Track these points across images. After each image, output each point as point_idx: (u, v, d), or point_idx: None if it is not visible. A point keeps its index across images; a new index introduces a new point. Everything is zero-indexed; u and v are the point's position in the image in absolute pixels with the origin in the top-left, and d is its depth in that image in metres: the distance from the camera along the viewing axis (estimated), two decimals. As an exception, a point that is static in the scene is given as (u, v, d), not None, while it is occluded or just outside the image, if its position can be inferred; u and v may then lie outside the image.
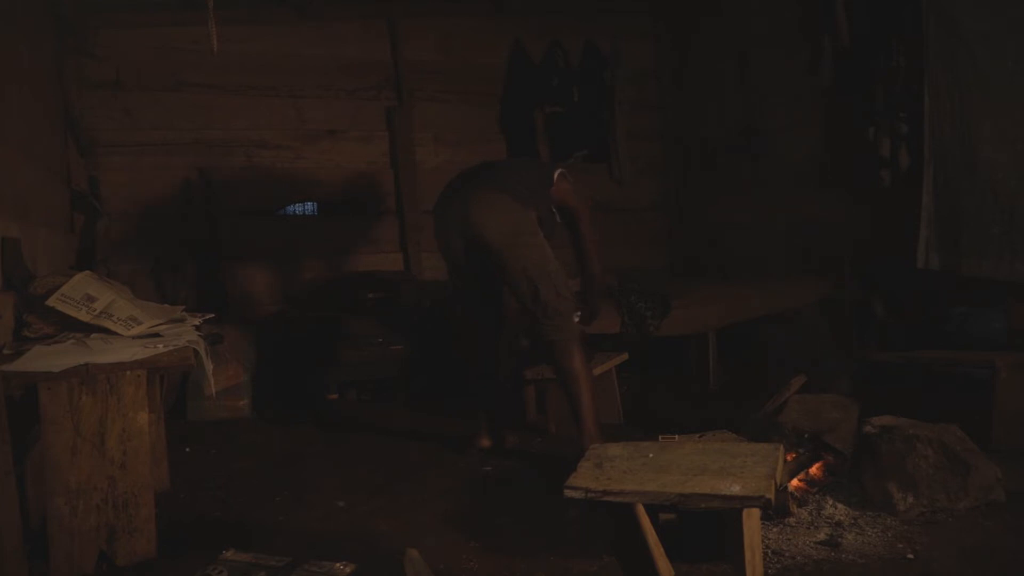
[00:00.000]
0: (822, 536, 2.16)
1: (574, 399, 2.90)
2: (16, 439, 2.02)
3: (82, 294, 2.39)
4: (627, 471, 2.07)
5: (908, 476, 2.27)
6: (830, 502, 2.33)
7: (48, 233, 3.30)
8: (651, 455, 2.17)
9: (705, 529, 2.08)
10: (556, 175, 3.02)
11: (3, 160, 2.70)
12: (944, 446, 2.31)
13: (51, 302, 2.35)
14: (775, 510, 2.13)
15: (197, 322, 2.62)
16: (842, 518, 2.25)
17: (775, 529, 2.20)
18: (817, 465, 2.45)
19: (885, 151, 3.95)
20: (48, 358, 2.11)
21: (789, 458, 2.37)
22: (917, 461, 2.28)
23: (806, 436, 2.47)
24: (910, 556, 2.04)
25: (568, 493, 2.02)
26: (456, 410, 3.73)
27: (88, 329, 2.34)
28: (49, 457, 2.06)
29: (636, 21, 5.46)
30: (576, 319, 3.12)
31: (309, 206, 5.02)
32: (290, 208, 4.94)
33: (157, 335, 2.39)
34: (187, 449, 3.30)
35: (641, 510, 1.96)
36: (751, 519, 1.85)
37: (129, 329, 2.36)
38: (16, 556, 1.98)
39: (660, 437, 2.51)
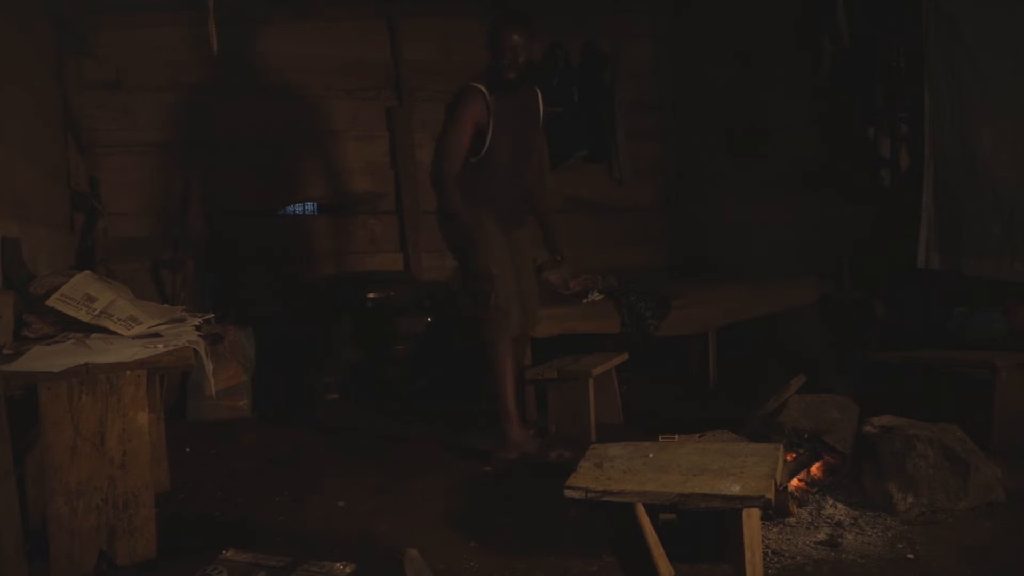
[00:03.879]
0: (822, 536, 2.16)
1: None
2: (16, 439, 2.02)
3: (82, 294, 2.39)
4: (627, 471, 2.07)
5: (908, 476, 2.27)
6: (830, 502, 2.33)
7: (48, 233, 3.29)
8: (651, 455, 2.17)
9: (705, 529, 2.08)
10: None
11: (3, 160, 2.70)
12: (944, 446, 2.31)
13: (51, 302, 2.35)
14: (775, 510, 2.13)
15: (197, 322, 2.62)
16: (842, 518, 2.25)
17: (775, 529, 2.20)
18: (817, 465, 2.45)
19: (885, 151, 3.95)
20: (48, 358, 2.11)
21: (789, 458, 2.37)
22: (917, 461, 2.28)
23: (806, 436, 2.47)
24: (910, 556, 2.04)
25: (568, 493, 2.02)
26: (457, 410, 3.73)
27: (88, 329, 2.34)
28: (49, 457, 2.06)
29: (636, 21, 5.45)
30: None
31: (309, 206, 5.01)
32: (290, 208, 4.94)
33: (157, 335, 2.39)
34: (187, 449, 3.30)
35: (641, 510, 1.96)
36: (751, 519, 1.85)
37: (129, 329, 2.36)
38: (16, 556, 1.98)
39: (660, 437, 2.51)
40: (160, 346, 2.27)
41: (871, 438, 2.37)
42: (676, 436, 2.53)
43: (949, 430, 2.39)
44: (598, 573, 2.03)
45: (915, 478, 2.27)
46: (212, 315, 2.87)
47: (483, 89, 3.00)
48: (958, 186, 3.60)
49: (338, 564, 1.95)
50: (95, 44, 4.32)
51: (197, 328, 2.57)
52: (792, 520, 2.24)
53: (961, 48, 3.52)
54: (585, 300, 3.95)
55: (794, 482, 2.38)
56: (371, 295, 4.40)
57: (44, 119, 3.58)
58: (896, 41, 3.86)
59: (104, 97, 4.38)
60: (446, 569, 2.06)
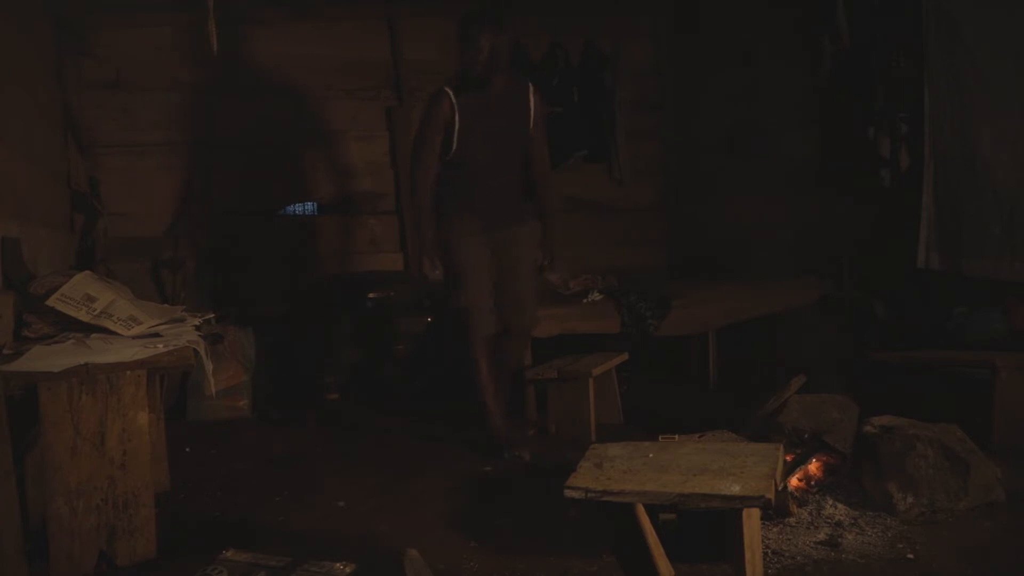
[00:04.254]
0: (822, 536, 2.16)
1: None
2: (16, 439, 2.02)
3: (82, 294, 2.39)
4: (627, 471, 2.08)
5: (908, 476, 2.27)
6: (830, 502, 2.33)
7: (48, 233, 3.29)
8: (651, 455, 2.17)
9: (705, 529, 2.08)
10: None
11: (3, 160, 2.71)
12: (944, 446, 2.31)
13: (51, 302, 2.35)
14: (775, 510, 2.14)
15: (197, 322, 2.62)
16: (842, 518, 2.25)
17: (775, 529, 2.20)
18: (817, 465, 2.45)
19: (885, 151, 3.94)
20: (48, 358, 2.11)
21: (788, 458, 2.37)
22: (917, 461, 2.28)
23: (806, 436, 2.47)
24: (910, 556, 2.04)
25: (568, 493, 2.03)
26: (457, 409, 3.73)
27: (88, 329, 2.34)
28: (49, 457, 2.06)
29: (636, 21, 5.45)
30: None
31: (309, 206, 5.01)
32: (290, 208, 4.94)
33: (157, 335, 2.39)
34: (187, 449, 3.30)
35: (641, 510, 1.96)
36: (751, 519, 1.85)
37: (129, 329, 2.36)
38: (16, 556, 1.98)
39: (660, 437, 2.51)
40: (160, 346, 2.27)
41: (871, 438, 2.37)
42: (676, 436, 2.53)
43: (949, 430, 2.39)
44: (598, 573, 2.03)
45: (915, 478, 2.27)
46: (212, 315, 2.87)
47: (448, 90, 3.02)
48: (958, 186, 3.60)
49: (338, 564, 1.95)
50: (95, 44, 4.32)
51: (197, 328, 2.57)
52: (792, 520, 2.24)
53: (961, 48, 3.52)
54: (585, 300, 3.96)
55: (794, 482, 2.38)
56: (371, 295, 4.40)
57: (44, 119, 3.58)
58: (896, 41, 3.86)
59: (104, 97, 4.38)
60: (446, 569, 2.06)
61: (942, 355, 3.38)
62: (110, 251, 4.18)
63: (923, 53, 3.66)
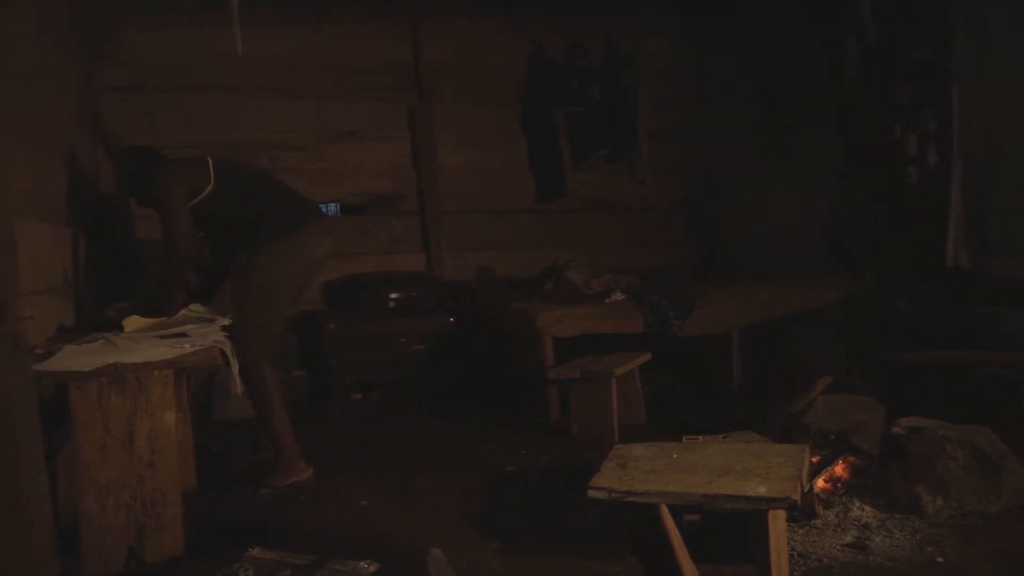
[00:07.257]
0: (849, 538, 2.13)
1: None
2: (48, 437, 2.05)
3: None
4: (651, 471, 2.06)
5: (937, 478, 2.24)
6: (857, 504, 2.30)
7: (76, 234, 3.34)
8: (675, 455, 2.16)
9: (729, 530, 2.07)
10: None
11: (34, 163, 2.75)
12: (975, 448, 2.27)
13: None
14: (801, 512, 2.12)
15: (225, 322, 2.65)
16: (869, 520, 2.23)
17: (801, 531, 2.18)
18: (843, 466, 2.43)
19: (912, 148, 3.89)
20: (78, 358, 2.15)
21: (815, 459, 2.34)
22: (947, 463, 2.24)
23: (832, 437, 2.45)
24: (940, 559, 2.01)
25: (592, 494, 2.01)
26: (477, 409, 3.74)
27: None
28: (79, 456, 2.09)
29: (657, 21, 5.41)
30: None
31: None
32: (312, 209, 4.97)
33: (184, 335, 2.42)
34: (213, 448, 3.34)
35: (665, 511, 1.95)
36: (777, 521, 1.83)
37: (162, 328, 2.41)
38: (47, 553, 2.01)
39: (684, 437, 2.49)
40: (187, 346, 2.30)
41: (899, 439, 2.34)
42: (700, 436, 2.51)
43: (980, 432, 2.36)
44: (620, 574, 2.03)
45: (945, 480, 2.23)
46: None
47: None
48: (987, 183, 3.54)
49: (362, 563, 1.97)
50: (119, 48, 4.38)
51: (224, 328, 2.60)
52: (818, 522, 2.22)
53: (989, 43, 3.46)
54: (608, 300, 3.95)
55: (820, 483, 2.36)
56: (393, 295, 4.42)
57: (73, 123, 3.64)
58: (923, 38, 3.80)
59: (128, 100, 4.43)
60: (468, 569, 2.06)
61: (971, 355, 3.31)
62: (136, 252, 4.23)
63: (951, 49, 3.60)
